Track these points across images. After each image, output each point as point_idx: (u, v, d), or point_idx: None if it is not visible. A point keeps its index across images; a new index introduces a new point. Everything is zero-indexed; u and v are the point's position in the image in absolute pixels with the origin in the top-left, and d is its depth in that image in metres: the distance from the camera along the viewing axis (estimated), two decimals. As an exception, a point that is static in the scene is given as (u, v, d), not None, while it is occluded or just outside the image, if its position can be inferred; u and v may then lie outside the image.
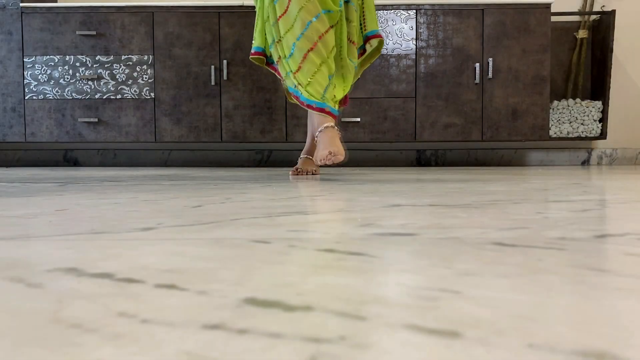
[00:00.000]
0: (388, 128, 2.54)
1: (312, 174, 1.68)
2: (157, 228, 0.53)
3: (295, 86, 1.49)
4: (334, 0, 1.51)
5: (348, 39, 1.58)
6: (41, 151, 2.86)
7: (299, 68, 1.47)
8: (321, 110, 1.46)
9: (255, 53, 1.61)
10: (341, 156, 1.37)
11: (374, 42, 1.64)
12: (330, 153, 1.37)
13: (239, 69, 2.53)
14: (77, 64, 2.54)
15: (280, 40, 1.50)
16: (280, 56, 1.51)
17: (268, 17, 1.53)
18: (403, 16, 2.53)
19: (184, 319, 0.24)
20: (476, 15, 2.52)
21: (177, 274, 0.33)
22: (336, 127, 1.46)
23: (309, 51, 1.46)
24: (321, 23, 1.47)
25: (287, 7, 1.47)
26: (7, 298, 0.28)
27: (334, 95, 1.53)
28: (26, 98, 2.54)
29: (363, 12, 1.62)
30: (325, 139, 1.42)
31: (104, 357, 0.19)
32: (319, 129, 1.45)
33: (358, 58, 1.64)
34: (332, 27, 1.51)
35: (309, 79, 1.46)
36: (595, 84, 2.76)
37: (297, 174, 1.65)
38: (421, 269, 0.34)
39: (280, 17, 1.48)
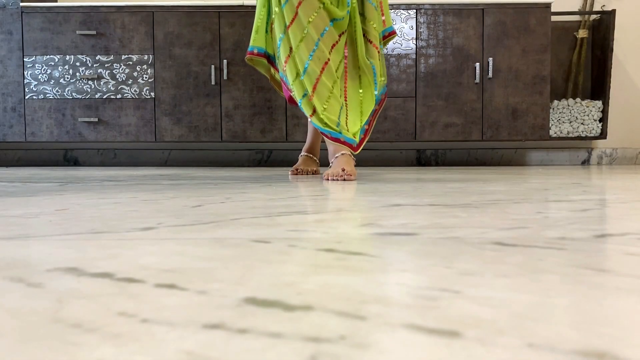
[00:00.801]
0: (388, 128, 2.54)
1: (312, 174, 1.67)
2: (157, 228, 0.53)
3: (310, 115, 1.45)
4: (341, 5, 1.47)
5: (365, 37, 1.53)
6: (41, 151, 2.86)
7: (314, 89, 1.43)
8: (336, 140, 1.44)
9: (258, 54, 1.53)
10: (353, 176, 1.37)
11: (390, 38, 1.62)
12: (343, 170, 1.36)
13: (239, 68, 2.53)
14: (77, 64, 2.54)
15: (292, 53, 1.44)
16: (293, 75, 1.45)
17: (273, 23, 1.48)
18: (403, 16, 2.53)
19: (184, 318, 0.24)
20: (476, 14, 2.52)
21: (177, 273, 0.33)
22: (352, 156, 1.45)
23: (321, 73, 1.43)
24: (330, 37, 1.45)
25: (296, 13, 1.42)
26: (7, 298, 0.28)
27: (347, 125, 1.49)
28: (26, 98, 2.54)
29: (381, 9, 1.58)
30: (341, 162, 1.41)
31: (104, 357, 0.19)
32: (335, 155, 1.44)
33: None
34: (340, 35, 1.48)
35: (324, 105, 1.44)
36: (596, 83, 2.76)
37: (297, 174, 1.65)
38: (421, 269, 0.34)
39: (289, 25, 1.43)
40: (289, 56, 1.45)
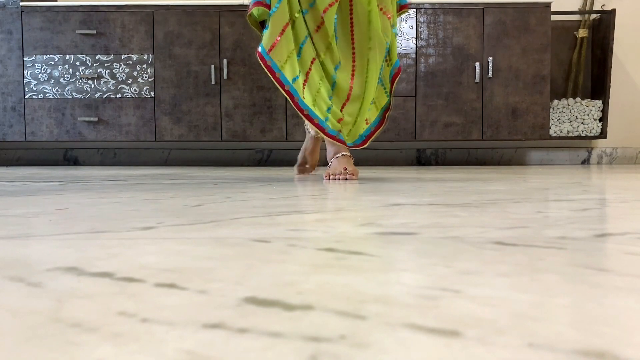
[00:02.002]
0: (388, 127, 2.54)
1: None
2: (157, 227, 0.53)
3: (302, 94, 1.35)
4: None
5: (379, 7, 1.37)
6: (41, 150, 2.86)
7: (308, 74, 1.35)
8: (321, 130, 1.36)
9: (266, 5, 1.33)
10: (356, 176, 1.35)
11: (403, 12, 1.49)
12: (345, 170, 1.34)
13: (239, 68, 2.53)
14: (77, 63, 2.54)
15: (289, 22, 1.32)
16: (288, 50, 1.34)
17: None
18: (403, 15, 2.53)
19: (184, 318, 0.24)
20: (476, 14, 2.52)
21: (177, 273, 0.33)
22: (352, 157, 1.41)
23: (312, 63, 1.36)
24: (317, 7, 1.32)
25: None
26: (7, 297, 0.28)
27: (340, 121, 1.39)
28: (26, 97, 2.54)
29: None
30: (342, 162, 1.38)
31: (104, 356, 0.19)
32: (336, 156, 1.40)
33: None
34: (331, 5, 1.32)
35: (314, 97, 1.35)
36: (596, 83, 2.76)
37: (303, 172, 1.62)
38: (421, 268, 0.34)
39: None
40: (288, 23, 1.32)
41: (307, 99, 1.35)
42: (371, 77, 1.41)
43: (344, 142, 1.40)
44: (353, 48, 1.39)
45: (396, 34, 1.46)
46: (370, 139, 1.47)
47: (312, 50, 1.36)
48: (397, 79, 1.47)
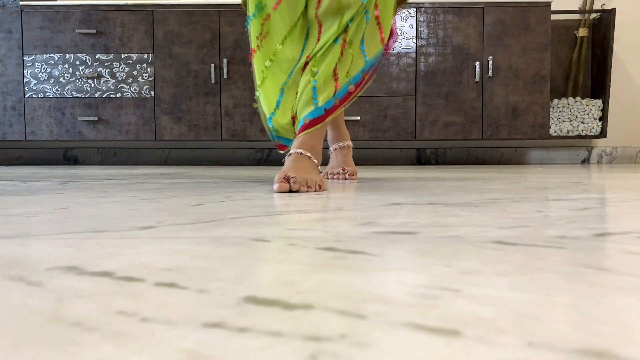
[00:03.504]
0: (388, 126, 2.54)
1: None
2: (157, 226, 0.53)
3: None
4: None
5: None
6: (41, 150, 2.86)
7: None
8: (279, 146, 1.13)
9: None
10: (355, 176, 1.31)
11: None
12: (344, 170, 1.31)
13: (239, 67, 2.53)
14: (77, 63, 2.54)
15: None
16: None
17: None
18: (403, 14, 2.53)
19: (184, 317, 0.24)
20: (476, 13, 2.52)
21: (177, 272, 0.33)
22: (350, 147, 1.36)
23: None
24: None
25: None
26: (7, 296, 0.28)
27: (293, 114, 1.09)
28: (26, 97, 2.54)
29: None
30: (339, 158, 1.35)
31: (104, 356, 0.19)
32: (334, 147, 1.37)
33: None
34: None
35: (258, 84, 1.10)
36: (596, 82, 2.76)
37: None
38: (421, 268, 0.34)
39: None
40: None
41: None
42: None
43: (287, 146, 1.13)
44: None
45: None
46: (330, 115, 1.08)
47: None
48: (351, 98, 1.11)
